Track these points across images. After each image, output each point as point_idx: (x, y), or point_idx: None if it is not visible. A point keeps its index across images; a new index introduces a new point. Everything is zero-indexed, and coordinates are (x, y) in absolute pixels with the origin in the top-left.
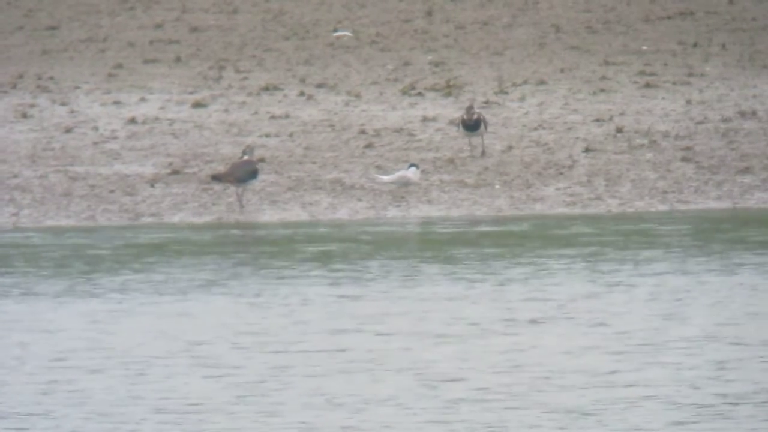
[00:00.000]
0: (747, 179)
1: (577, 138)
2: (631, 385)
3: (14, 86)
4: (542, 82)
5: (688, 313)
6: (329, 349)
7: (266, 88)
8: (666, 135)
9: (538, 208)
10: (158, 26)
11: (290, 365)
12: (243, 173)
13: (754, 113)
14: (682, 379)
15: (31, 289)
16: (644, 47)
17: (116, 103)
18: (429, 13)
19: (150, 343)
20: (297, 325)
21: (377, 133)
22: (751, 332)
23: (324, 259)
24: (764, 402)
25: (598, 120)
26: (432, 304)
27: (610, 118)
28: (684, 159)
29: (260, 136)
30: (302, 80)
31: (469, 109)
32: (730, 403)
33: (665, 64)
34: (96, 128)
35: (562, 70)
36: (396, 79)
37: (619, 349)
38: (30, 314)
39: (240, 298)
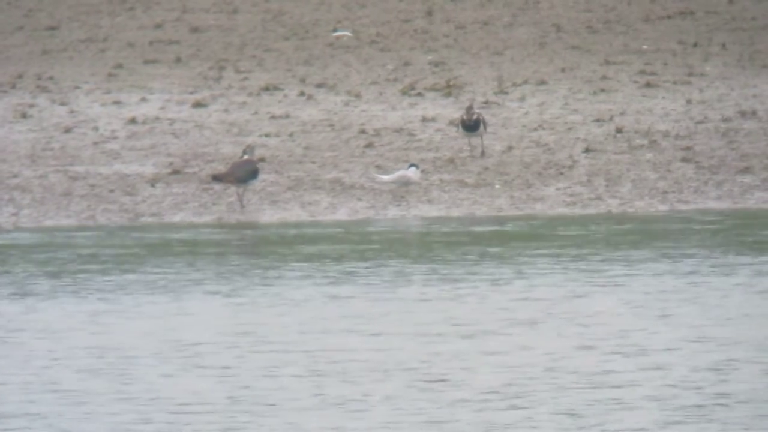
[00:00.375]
0: (747, 179)
1: (578, 138)
2: (621, 386)
3: (14, 86)
4: (542, 82)
5: (681, 314)
6: (321, 350)
7: (266, 88)
8: (666, 135)
9: (539, 207)
10: (158, 26)
11: (282, 365)
12: (243, 173)
13: (754, 113)
14: (673, 379)
15: (24, 289)
16: (644, 47)
17: (116, 103)
18: (429, 13)
19: (142, 343)
20: (290, 326)
21: (377, 133)
22: (743, 333)
23: (320, 259)
24: (754, 403)
25: (598, 120)
26: (426, 304)
27: (611, 118)
28: (684, 159)
29: (260, 136)
30: (302, 80)
31: (469, 109)
32: (721, 404)
33: (665, 64)
34: (96, 128)
35: (562, 70)
36: (396, 79)
37: (611, 349)
38: (20, 314)
39: (233, 298)
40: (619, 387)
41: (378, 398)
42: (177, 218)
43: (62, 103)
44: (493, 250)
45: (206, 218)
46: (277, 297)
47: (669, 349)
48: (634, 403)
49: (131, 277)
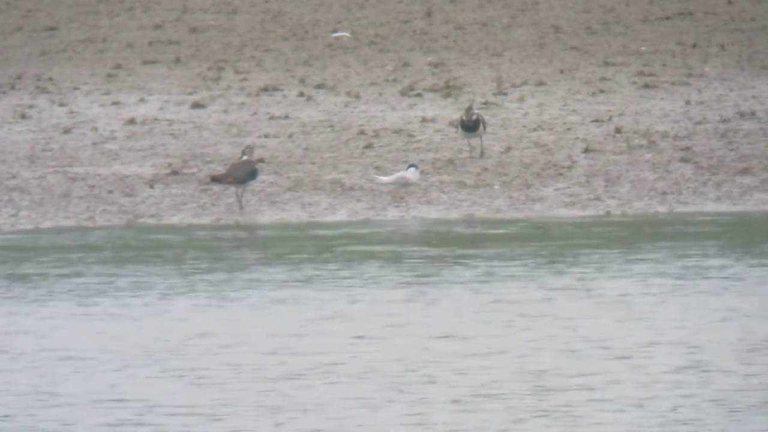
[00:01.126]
0: (746, 180)
1: (576, 138)
2: (600, 388)
3: (13, 87)
4: (541, 83)
5: (667, 316)
6: (305, 352)
7: (265, 89)
8: (665, 135)
9: (538, 208)
10: (157, 27)
11: (256, 368)
12: (242, 174)
13: (752, 114)
14: (651, 382)
15: (8, 291)
16: (643, 48)
17: (115, 103)
18: (428, 14)
19: (124, 345)
20: (273, 328)
21: (376, 134)
22: (724, 336)
23: (314, 260)
24: (736, 404)
25: (597, 120)
26: (409, 306)
27: (609, 119)
28: (683, 159)
29: (259, 137)
30: (301, 81)
31: (468, 109)
32: (703, 406)
33: (664, 65)
34: (95, 129)
35: (561, 71)
36: (395, 80)
37: (589, 352)
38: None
39: (221, 300)
40: (596, 389)
41: (360, 400)
42: (176, 219)
43: (61, 104)
44: (482, 250)
45: (205, 219)
46: (255, 298)
47: (650, 352)
48: (611, 404)
49: (124, 278)
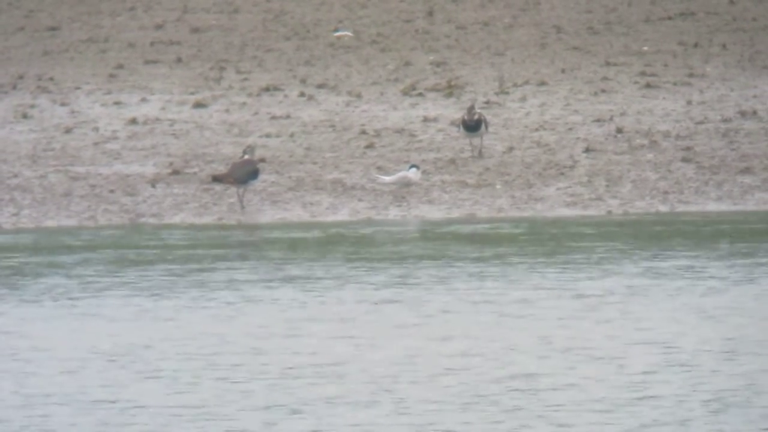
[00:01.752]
0: (747, 179)
1: (578, 138)
2: (592, 388)
3: (15, 87)
4: (543, 83)
5: (659, 316)
6: (293, 353)
7: (267, 89)
8: (666, 135)
9: (539, 208)
10: (159, 27)
11: (252, 367)
12: (243, 174)
13: (754, 113)
14: (636, 382)
15: None
16: (645, 48)
17: (117, 103)
18: (430, 14)
19: (107, 346)
20: (250, 329)
21: (378, 134)
22: (710, 336)
23: (309, 260)
24: (721, 404)
25: (598, 120)
26: (394, 306)
27: (611, 119)
28: (684, 159)
29: (261, 137)
30: (303, 81)
31: (470, 109)
32: (684, 409)
33: (666, 65)
34: (96, 128)
35: (563, 71)
36: (397, 80)
37: (573, 352)
38: None
39: (209, 302)
40: (582, 389)
41: (340, 401)
42: (177, 219)
43: (63, 104)
44: (484, 250)
45: (207, 219)
46: (264, 298)
47: (643, 351)
48: (596, 405)
49: (125, 278)
